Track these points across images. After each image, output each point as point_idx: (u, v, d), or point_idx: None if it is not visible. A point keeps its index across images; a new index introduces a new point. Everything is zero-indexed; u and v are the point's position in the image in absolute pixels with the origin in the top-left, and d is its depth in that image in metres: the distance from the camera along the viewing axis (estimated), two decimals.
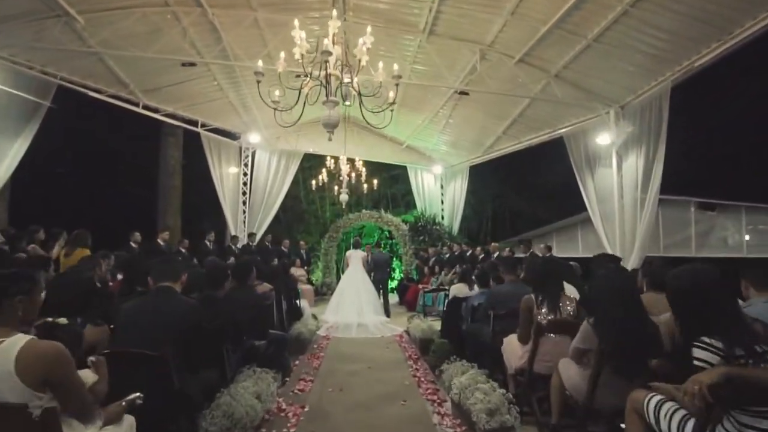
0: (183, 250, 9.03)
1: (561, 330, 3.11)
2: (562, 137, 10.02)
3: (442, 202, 14.55)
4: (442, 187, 14.63)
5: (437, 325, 7.20)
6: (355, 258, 9.29)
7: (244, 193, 11.89)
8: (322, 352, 5.66)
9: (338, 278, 13.72)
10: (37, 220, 6.00)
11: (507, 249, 9.10)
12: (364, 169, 10.20)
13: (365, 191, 10.49)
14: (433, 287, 10.21)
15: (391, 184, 15.91)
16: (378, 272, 9.44)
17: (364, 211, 13.31)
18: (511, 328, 3.98)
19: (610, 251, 8.74)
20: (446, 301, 7.74)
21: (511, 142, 11.55)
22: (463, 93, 8.49)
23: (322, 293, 12.65)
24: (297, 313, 6.18)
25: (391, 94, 4.68)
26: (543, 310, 3.20)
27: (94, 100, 8.80)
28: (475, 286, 5.92)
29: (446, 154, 13.74)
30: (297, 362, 5.18)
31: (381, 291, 9.51)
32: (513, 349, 3.51)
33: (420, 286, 11.05)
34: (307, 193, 14.37)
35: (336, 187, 10.70)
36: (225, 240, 11.33)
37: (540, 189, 14.85)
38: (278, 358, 3.92)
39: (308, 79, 4.46)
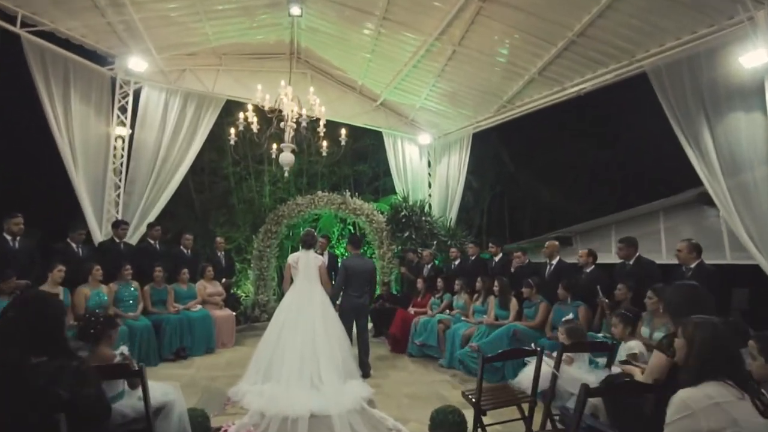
0: None
1: None
2: (638, 76, 6.33)
3: (430, 186, 10.44)
4: (429, 164, 10.53)
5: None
6: (307, 267, 4.90)
7: (118, 157, 7.10)
8: None
9: (278, 296, 9.22)
10: None
11: (580, 260, 5.08)
12: (322, 109, 5.83)
13: (323, 151, 6.11)
14: (443, 318, 6.04)
15: (354, 163, 11.58)
16: (353, 294, 5.11)
17: (320, 193, 8.90)
18: None
19: (760, 256, 5.03)
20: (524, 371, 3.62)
21: (547, 89, 7.62)
22: None
23: (252, 320, 8.12)
24: None
25: None
26: None
27: None
28: None
29: (439, 114, 9.60)
30: None
31: (354, 328, 5.21)
32: None
33: (411, 310, 6.86)
34: (236, 165, 9.68)
35: (275, 145, 6.28)
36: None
37: (572, 166, 10.95)
38: None
39: None
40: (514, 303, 5.41)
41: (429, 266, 7.44)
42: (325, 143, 6.24)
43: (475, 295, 6.10)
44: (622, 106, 8.29)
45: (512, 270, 5.98)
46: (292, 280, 5.02)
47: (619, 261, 4.84)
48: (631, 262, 4.62)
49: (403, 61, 7.97)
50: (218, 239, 7.65)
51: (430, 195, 10.28)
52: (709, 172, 5.46)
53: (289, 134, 5.79)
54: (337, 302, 5.22)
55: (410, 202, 9.24)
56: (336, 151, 6.12)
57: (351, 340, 5.03)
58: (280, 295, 9.77)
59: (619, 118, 9.83)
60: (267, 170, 9.73)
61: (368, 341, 5.27)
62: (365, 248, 9.84)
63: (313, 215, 9.33)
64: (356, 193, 9.23)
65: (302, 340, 4.49)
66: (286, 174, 5.79)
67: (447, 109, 9.28)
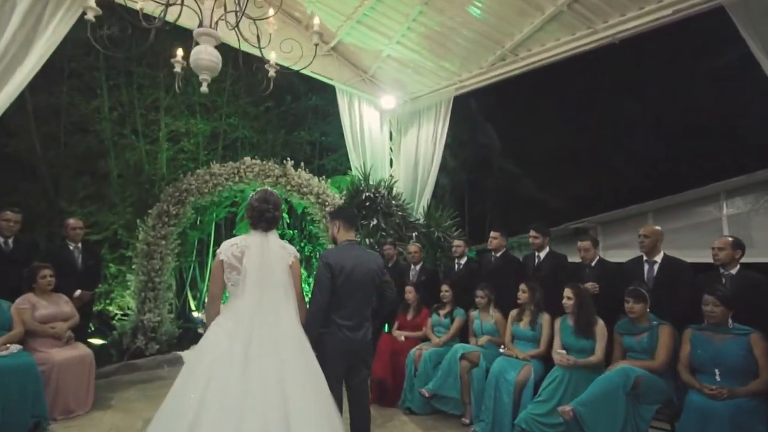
0: None
1: None
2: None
3: (392, 164, 8.12)
4: (391, 136, 8.20)
5: None
6: (264, 268, 2.24)
7: None
8: None
9: (178, 315, 6.26)
10: None
11: (719, 256, 3.11)
12: None
13: (271, 68, 3.53)
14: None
15: (290, 131, 8.82)
16: (344, 323, 2.57)
17: (248, 160, 6.06)
18: None
19: None
20: None
21: (569, 33, 5.79)
22: None
23: (133, 355, 5.10)
24: None
25: None
26: None
27: None
28: None
29: (409, 68, 7.30)
30: None
31: (350, 383, 2.67)
32: None
33: (401, 335, 4.50)
34: (114, 111, 6.35)
35: (179, 54, 3.57)
36: None
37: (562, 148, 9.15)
38: None
39: None
40: (601, 327, 3.29)
41: (418, 267, 5.10)
42: (273, 56, 3.67)
43: (513, 312, 3.90)
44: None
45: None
46: (217, 297, 2.37)
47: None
48: None
49: None
50: (71, 222, 4.48)
51: (391, 176, 7.93)
52: None
53: (211, 16, 3.07)
54: (314, 340, 2.62)
55: (377, 181, 6.83)
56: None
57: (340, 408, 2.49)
58: (180, 314, 6.71)
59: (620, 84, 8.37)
60: (163, 122, 6.54)
61: (369, 410, 2.76)
62: (313, 245, 7.23)
63: (235, 193, 6.44)
64: (302, 165, 6.55)
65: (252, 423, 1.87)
66: (203, 88, 3.05)
67: (423, 59, 7.02)
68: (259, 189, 2.63)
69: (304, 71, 6.94)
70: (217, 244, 7.22)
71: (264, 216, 2.36)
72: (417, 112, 7.84)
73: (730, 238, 3.15)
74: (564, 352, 3.22)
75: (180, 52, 3.52)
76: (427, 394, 3.74)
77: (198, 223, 6.81)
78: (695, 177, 5.50)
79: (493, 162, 9.25)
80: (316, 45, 3.31)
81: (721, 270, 3.14)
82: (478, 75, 6.88)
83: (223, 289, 2.37)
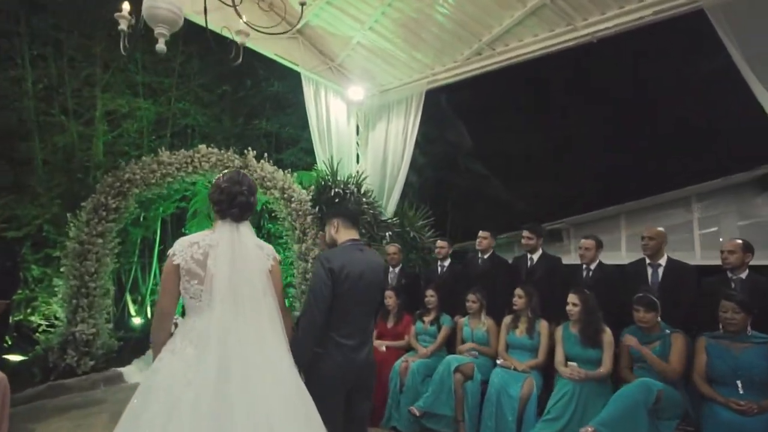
0: None
1: None
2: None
3: (358, 160, 7.67)
4: (358, 130, 7.75)
5: None
6: (236, 271, 1.73)
7: None
8: None
9: (117, 324, 5.51)
10: None
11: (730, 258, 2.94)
12: None
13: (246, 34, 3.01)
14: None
15: (247, 120, 8.11)
16: (345, 342, 2.09)
17: (203, 148, 5.38)
18: None
19: None
20: None
21: (548, 30, 5.65)
22: None
23: (61, 373, 4.31)
24: None
25: None
26: None
27: None
28: None
29: (379, 58, 6.89)
30: None
31: (349, 416, 2.19)
32: None
33: (382, 346, 4.10)
34: (39, 84, 5.39)
35: (126, 7, 2.92)
36: None
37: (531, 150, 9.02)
38: None
39: None
40: (608, 335, 3.06)
41: (397, 270, 4.71)
42: (244, 20, 3.17)
43: (507, 319, 3.61)
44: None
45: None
46: (168, 313, 1.84)
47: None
48: None
49: None
50: None
51: (359, 172, 7.49)
52: None
53: None
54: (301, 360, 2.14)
55: (346, 177, 6.37)
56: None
57: None
58: (118, 323, 5.90)
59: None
60: (100, 101, 5.64)
61: None
62: (273, 244, 6.61)
63: (187, 186, 5.72)
64: (265, 156, 5.95)
65: None
66: (159, 45, 2.47)
67: (395, 49, 6.63)
68: (225, 171, 2.12)
69: (267, 54, 6.45)
70: (164, 243, 6.42)
71: (236, 200, 1.84)
72: (386, 105, 7.43)
73: (739, 241, 3.04)
74: (575, 364, 2.96)
75: (126, 6, 2.90)
76: (417, 413, 3.35)
77: (142, 219, 5.99)
78: (671, 179, 5.58)
79: (459, 161, 9.08)
80: (302, 4, 2.80)
81: (730, 274, 3.02)
82: (452, 69, 6.59)
83: (178, 301, 1.85)
